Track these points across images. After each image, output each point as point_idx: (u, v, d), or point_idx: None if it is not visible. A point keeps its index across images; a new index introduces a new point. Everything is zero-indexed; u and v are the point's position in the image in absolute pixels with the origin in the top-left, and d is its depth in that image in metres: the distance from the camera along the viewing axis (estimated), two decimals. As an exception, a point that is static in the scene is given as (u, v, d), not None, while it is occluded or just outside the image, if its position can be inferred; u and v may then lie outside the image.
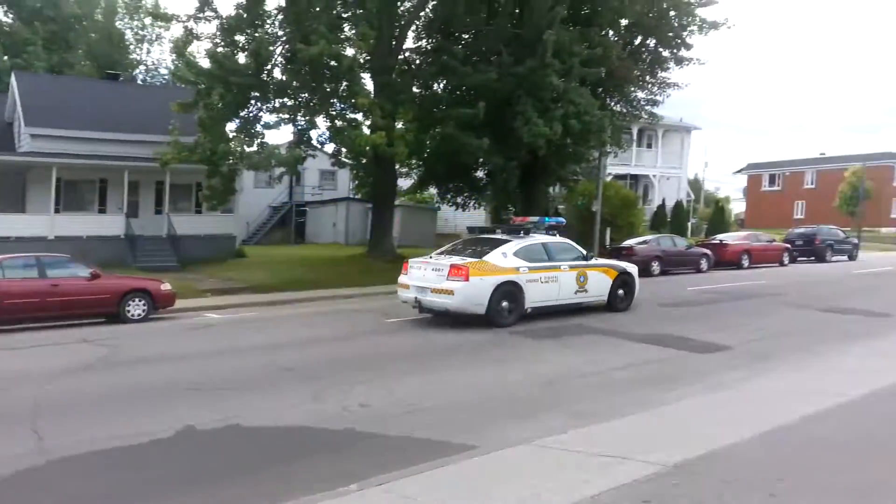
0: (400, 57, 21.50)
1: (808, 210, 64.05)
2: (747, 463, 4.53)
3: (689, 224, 38.47)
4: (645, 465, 4.60)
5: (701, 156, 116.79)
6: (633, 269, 14.20)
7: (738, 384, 7.31)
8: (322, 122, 20.06)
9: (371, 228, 23.91)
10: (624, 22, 22.62)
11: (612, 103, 24.14)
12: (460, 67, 18.91)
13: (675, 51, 23.05)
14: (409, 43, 22.49)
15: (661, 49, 23.38)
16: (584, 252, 13.61)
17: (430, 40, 21.86)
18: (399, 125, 23.41)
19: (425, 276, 11.77)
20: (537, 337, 10.50)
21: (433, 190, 29.03)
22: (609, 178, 32.97)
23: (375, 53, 19.46)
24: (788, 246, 28.91)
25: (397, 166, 22.76)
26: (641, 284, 14.38)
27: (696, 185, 76.39)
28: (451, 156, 20.87)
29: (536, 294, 11.83)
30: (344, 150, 20.03)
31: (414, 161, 24.65)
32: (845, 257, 31.84)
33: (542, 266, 12.05)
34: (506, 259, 11.69)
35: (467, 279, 11.00)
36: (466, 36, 21.81)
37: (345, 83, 18.18)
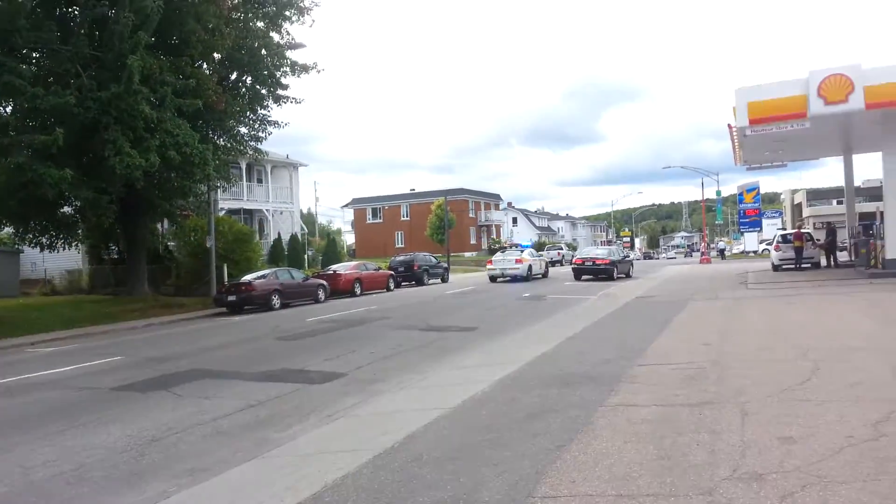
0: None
1: (406, 239, 71.89)
2: (356, 493, 4.48)
3: (306, 256, 39.63)
4: (257, 520, 4.25)
5: (312, 191, 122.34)
6: (547, 259, 40.20)
7: (351, 411, 7.45)
8: None
9: (-72, 280, 18.82)
10: (217, 56, 22.33)
11: (215, 137, 23.58)
12: (29, 88, 16.20)
13: (271, 89, 23.57)
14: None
15: (258, 86, 23.68)
16: (539, 253, 41.33)
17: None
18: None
19: (504, 262, 31.44)
20: (145, 389, 9.33)
21: (9, 229, 24.41)
22: (222, 213, 32.04)
23: None
24: (392, 273, 31.77)
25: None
26: (266, 318, 19.58)
27: (310, 218, 79.41)
28: (26, 189, 17.73)
29: (535, 269, 31.74)
30: None
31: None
32: (439, 280, 36.30)
33: (534, 258, 33.42)
34: (527, 256, 32.59)
35: (522, 262, 30.91)
36: (37, 54, 18.92)
37: None
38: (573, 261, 33.45)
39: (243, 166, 37.18)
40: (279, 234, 38.47)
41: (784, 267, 25.11)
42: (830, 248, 25.48)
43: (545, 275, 33.61)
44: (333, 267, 30.12)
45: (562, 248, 65.15)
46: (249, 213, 40.03)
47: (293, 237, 38.99)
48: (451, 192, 68.95)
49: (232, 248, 27.65)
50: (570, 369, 8.27)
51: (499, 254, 34.86)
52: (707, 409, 5.83)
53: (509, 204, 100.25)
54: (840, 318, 10.98)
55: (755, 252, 55.86)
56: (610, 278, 28.82)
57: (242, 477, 5.38)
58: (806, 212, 74.04)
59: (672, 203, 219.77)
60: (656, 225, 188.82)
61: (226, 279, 25.76)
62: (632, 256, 42.53)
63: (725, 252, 61.77)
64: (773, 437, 4.94)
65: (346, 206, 78.16)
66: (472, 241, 76.12)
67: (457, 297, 23.42)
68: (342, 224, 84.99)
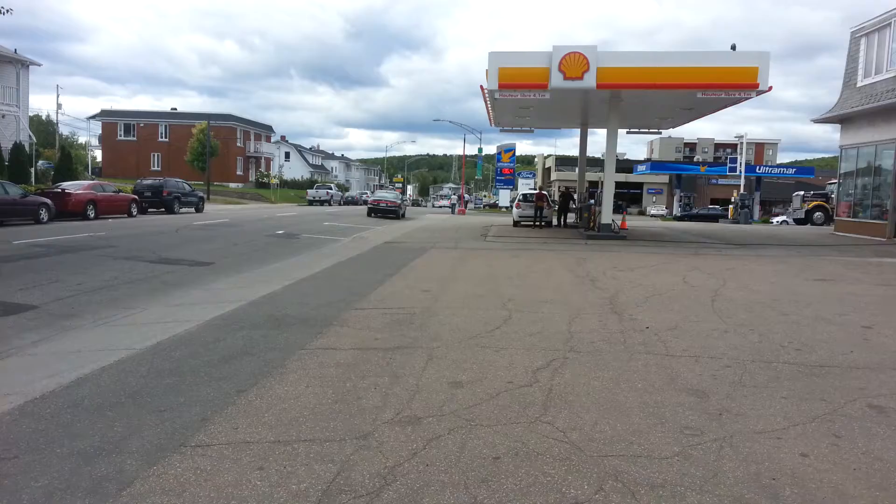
0: None
1: (163, 162, 66.25)
2: (-16, 446, 3.94)
3: (33, 170, 34.55)
4: None
5: (54, 96, 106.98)
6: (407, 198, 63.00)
7: (28, 349, 6.59)
8: None
9: None
10: None
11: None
12: None
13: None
14: None
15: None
16: (402, 196, 46.73)
17: None
18: None
19: (384, 200, 37.47)
20: None
21: None
22: (-82, 107, 26.63)
23: None
24: (136, 197, 29.01)
25: None
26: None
27: (49, 127, 69.62)
28: None
29: (405, 210, 39.72)
30: None
31: None
32: (193, 209, 34.04)
33: (402, 199, 40.90)
34: (400, 198, 40.34)
35: (399, 205, 37.54)
36: None
37: None
38: (369, 201, 40.37)
39: (-49, 55, 30.97)
40: (-2, 141, 32.95)
41: (523, 223, 27.44)
42: (562, 210, 28.42)
43: (405, 216, 38.57)
44: (63, 185, 26.58)
45: (331, 189, 64.67)
46: (-38, 112, 33.66)
47: (17, 146, 33.57)
48: (216, 118, 64.49)
49: (-73, 151, 23.12)
50: (288, 311, 8.15)
51: (379, 196, 40.96)
52: (398, 354, 6.07)
53: (283, 137, 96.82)
54: (548, 273, 12.19)
55: (506, 207, 60.44)
56: (398, 217, 36.37)
57: None
58: (554, 175, 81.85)
59: (445, 155, 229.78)
60: (428, 174, 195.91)
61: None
62: (408, 202, 49.13)
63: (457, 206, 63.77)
64: (445, 381, 5.26)
65: (94, 117, 69.32)
66: (239, 173, 72.39)
67: (204, 229, 22.06)
68: (90, 138, 75.37)
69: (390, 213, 36.22)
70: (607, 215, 20.50)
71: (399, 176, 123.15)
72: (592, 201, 24.03)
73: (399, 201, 38.46)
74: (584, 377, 5.42)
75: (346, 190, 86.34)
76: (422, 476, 3.55)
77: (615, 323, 7.59)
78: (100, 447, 3.92)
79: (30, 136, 37.24)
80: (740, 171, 45.88)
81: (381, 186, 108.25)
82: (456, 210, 54.59)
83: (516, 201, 29.81)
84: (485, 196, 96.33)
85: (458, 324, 7.44)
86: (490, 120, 24.79)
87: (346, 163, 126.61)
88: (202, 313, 8.08)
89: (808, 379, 5.45)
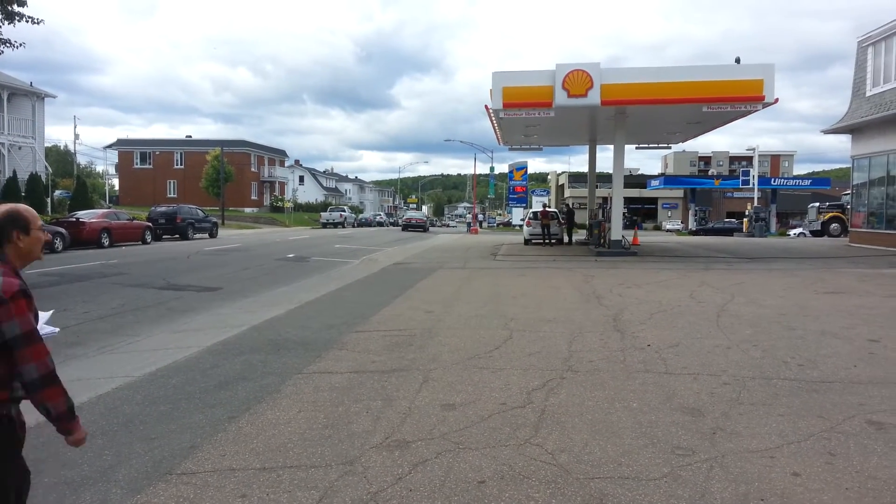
0: None
1: (179, 189, 67.00)
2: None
3: (50, 200, 35.10)
4: None
5: (71, 126, 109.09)
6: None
7: (29, 379, 6.66)
8: None
9: None
10: None
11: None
12: None
13: (5, 3, 20.20)
14: None
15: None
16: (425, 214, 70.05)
17: None
18: None
19: (414, 218, 53.84)
20: None
21: None
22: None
23: None
24: (150, 224, 29.32)
25: None
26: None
27: (67, 157, 70.84)
28: None
29: (428, 226, 56.80)
30: None
31: None
32: (207, 235, 34.34)
33: (427, 218, 59.76)
34: (426, 216, 60.26)
35: (425, 221, 54.65)
36: None
37: None
38: (402, 220, 56.32)
39: (-29, 89, 31.69)
40: (14, 172, 33.48)
41: (533, 241, 27.38)
42: (567, 226, 28.37)
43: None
44: (78, 214, 26.94)
45: (344, 211, 65.00)
46: (-20, 144, 34.31)
47: (34, 177, 34.11)
48: (230, 144, 65.31)
49: (-55, 184, 23.57)
50: (289, 335, 8.17)
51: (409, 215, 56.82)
52: (394, 377, 6.05)
53: (296, 162, 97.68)
54: (554, 291, 12.13)
55: (519, 226, 60.43)
56: (425, 231, 49.60)
57: None
58: (567, 192, 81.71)
59: (459, 174, 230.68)
60: (443, 194, 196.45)
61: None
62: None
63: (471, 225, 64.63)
64: (438, 404, 5.23)
65: (111, 147, 70.43)
66: (254, 197, 73.03)
67: (215, 255, 22.23)
68: (107, 167, 76.55)
69: (419, 227, 50.98)
70: (617, 231, 20.41)
71: (413, 196, 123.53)
72: (602, 218, 23.93)
73: (425, 219, 55.19)
74: (578, 397, 5.36)
75: (360, 212, 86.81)
76: (403, 502, 3.52)
77: (617, 341, 7.52)
78: (87, 476, 3.94)
79: (46, 166, 37.88)
80: (753, 184, 45.59)
81: (397, 208, 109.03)
82: (469, 229, 54.61)
83: (527, 219, 29.77)
84: (499, 214, 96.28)
85: (457, 345, 7.41)
86: (498, 139, 24.88)
87: (360, 185, 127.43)
88: (204, 339, 8.12)
89: (808, 395, 5.35)
